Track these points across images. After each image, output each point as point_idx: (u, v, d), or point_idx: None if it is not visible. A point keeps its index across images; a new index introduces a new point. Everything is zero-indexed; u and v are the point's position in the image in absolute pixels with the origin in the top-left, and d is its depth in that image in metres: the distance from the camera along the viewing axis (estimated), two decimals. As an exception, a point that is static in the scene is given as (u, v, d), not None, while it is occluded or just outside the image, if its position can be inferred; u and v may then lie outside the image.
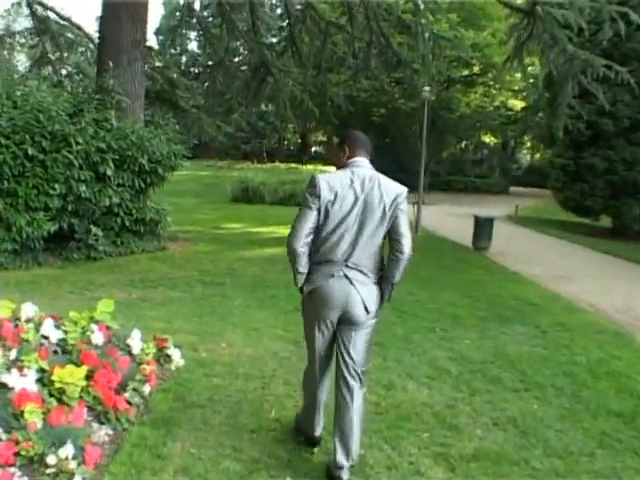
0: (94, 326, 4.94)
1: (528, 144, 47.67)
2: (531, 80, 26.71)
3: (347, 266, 3.52)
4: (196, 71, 29.70)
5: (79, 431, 3.61)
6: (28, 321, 4.76)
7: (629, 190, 18.69)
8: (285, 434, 4.30)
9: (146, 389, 4.41)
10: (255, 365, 5.63)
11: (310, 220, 3.52)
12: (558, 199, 20.92)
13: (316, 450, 4.08)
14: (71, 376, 4.09)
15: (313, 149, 53.92)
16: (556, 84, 12.64)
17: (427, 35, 14.00)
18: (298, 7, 15.79)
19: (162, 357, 5.21)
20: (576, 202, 19.56)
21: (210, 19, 17.42)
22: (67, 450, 3.27)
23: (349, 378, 3.64)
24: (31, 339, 4.49)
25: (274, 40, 18.25)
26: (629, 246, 17.57)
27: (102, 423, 3.98)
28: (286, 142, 52.37)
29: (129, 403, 4.18)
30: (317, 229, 3.56)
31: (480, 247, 13.84)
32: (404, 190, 3.60)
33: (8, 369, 3.87)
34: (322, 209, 3.50)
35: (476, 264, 12.45)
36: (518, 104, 32.83)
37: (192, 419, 4.37)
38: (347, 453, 3.61)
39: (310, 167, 38.39)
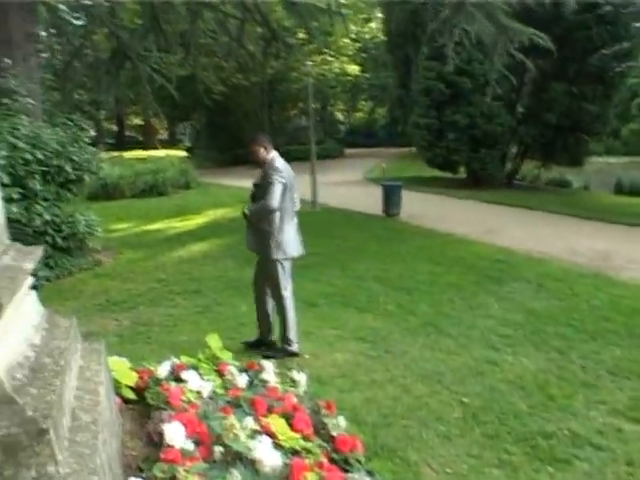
0: (232, 368, 4.33)
1: (341, 106, 48.85)
2: (358, 44, 27.17)
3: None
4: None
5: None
6: (168, 379, 4.05)
7: (489, 142, 19.95)
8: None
9: (341, 422, 3.93)
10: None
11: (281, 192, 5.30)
12: (425, 157, 21.82)
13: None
14: (285, 430, 3.56)
15: (126, 133, 51.48)
16: (487, 50, 12.97)
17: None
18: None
19: (287, 383, 4.69)
20: (443, 158, 20.51)
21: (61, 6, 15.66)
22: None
23: None
24: (193, 399, 3.83)
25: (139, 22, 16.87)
26: (506, 194, 18.87)
27: (346, 471, 3.50)
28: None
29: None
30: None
31: (393, 213, 14.06)
32: None
33: (251, 438, 3.23)
34: (286, 185, 5.35)
35: (406, 231, 12.66)
36: (355, 68, 33.52)
37: (391, 434, 4.08)
38: None
39: (137, 152, 36.62)
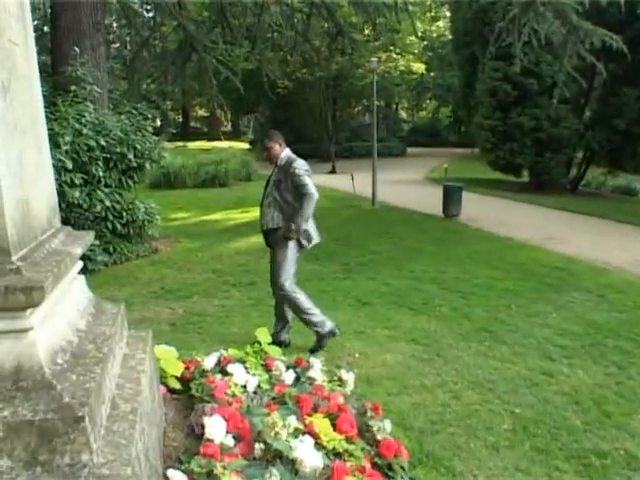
0: (279, 364, 4.28)
1: (405, 104, 48.55)
2: (425, 42, 26.86)
3: None
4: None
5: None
6: (214, 371, 4.02)
7: (554, 146, 19.46)
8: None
9: (387, 426, 3.82)
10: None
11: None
12: (488, 159, 21.46)
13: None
14: (329, 431, 3.48)
15: (191, 124, 52.26)
16: (556, 50, 12.65)
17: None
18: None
19: (335, 382, 4.60)
20: (506, 161, 20.12)
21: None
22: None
23: None
24: (238, 393, 3.78)
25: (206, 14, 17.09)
26: (569, 200, 18.40)
27: (388, 477, 3.40)
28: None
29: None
30: None
31: (452, 215, 13.85)
32: None
33: (293, 437, 3.16)
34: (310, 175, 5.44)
35: (464, 233, 12.46)
36: (420, 67, 33.30)
37: (438, 442, 3.97)
38: None
39: (201, 143, 37.16)
